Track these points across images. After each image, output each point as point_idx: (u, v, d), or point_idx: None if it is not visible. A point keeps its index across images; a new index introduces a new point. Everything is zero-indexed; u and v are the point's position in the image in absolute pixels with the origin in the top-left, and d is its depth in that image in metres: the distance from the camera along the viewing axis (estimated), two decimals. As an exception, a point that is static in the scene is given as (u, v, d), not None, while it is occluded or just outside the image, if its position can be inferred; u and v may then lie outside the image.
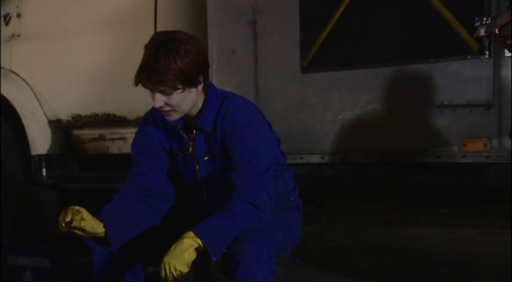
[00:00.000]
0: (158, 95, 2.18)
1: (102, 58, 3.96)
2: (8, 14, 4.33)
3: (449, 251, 4.28)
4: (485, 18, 2.17)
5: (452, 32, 2.88)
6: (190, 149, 2.33)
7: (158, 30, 3.78)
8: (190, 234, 2.09)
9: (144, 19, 3.85)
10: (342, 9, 3.13)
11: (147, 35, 3.74)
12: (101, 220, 2.24)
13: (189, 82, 2.18)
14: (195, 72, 2.19)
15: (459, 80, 2.92)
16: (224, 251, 2.11)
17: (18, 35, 4.28)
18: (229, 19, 3.42)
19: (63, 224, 2.15)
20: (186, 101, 2.21)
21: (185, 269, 2.07)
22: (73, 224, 2.15)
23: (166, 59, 2.13)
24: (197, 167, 2.35)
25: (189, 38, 2.20)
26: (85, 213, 2.18)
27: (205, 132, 2.29)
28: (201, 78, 2.23)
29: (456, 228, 5.06)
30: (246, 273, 2.05)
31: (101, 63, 3.96)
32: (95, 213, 2.27)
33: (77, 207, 2.18)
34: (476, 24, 2.43)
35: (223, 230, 2.13)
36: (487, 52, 2.84)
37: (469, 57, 2.88)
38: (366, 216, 5.59)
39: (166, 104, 2.20)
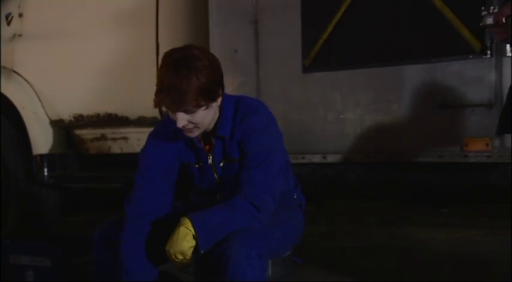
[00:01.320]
0: (181, 114, 2.13)
1: (104, 58, 3.96)
2: (9, 13, 4.34)
3: (450, 251, 4.27)
4: (492, 7, 2.17)
5: (454, 32, 2.89)
6: (210, 161, 2.31)
7: (159, 30, 3.81)
8: (187, 222, 2.10)
9: (145, 19, 3.85)
10: (343, 9, 3.13)
11: (148, 34, 3.82)
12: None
13: (210, 98, 2.15)
14: (215, 87, 2.17)
15: (461, 79, 2.93)
16: (214, 246, 2.11)
17: (20, 35, 4.28)
18: (230, 19, 3.42)
19: None
20: (208, 116, 2.19)
21: (185, 256, 2.10)
22: None
23: (187, 77, 2.08)
24: (216, 176, 2.34)
25: (202, 52, 2.16)
26: None
27: (224, 139, 2.28)
28: (220, 91, 2.21)
29: (457, 228, 5.05)
30: (235, 271, 2.05)
31: (102, 63, 3.96)
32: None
33: None
34: (482, 13, 2.41)
35: (219, 225, 2.13)
36: (488, 52, 2.84)
37: (470, 57, 2.88)
38: (366, 216, 5.58)
39: (189, 121, 2.16)
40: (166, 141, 2.32)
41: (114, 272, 2.32)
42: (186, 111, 2.13)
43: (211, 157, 2.31)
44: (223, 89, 2.23)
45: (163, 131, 2.33)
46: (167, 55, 2.16)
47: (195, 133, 2.22)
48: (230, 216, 2.15)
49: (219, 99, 2.21)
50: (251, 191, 2.17)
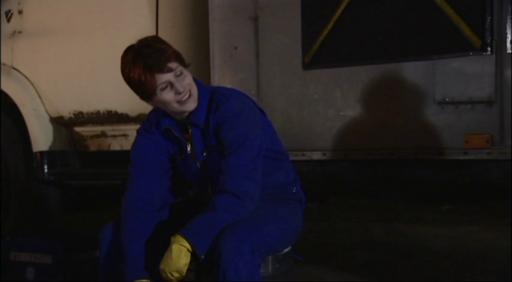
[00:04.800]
0: (171, 77, 2.20)
1: (104, 55, 3.96)
2: (9, 10, 4.34)
3: (451, 247, 4.28)
4: None
5: (455, 29, 2.88)
6: (189, 149, 2.34)
7: (160, 26, 3.81)
8: (178, 238, 2.12)
9: (146, 15, 3.85)
10: (343, 5, 3.13)
11: (149, 31, 3.82)
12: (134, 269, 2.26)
13: (183, 63, 2.25)
14: (182, 57, 2.27)
15: (461, 76, 2.92)
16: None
17: (20, 32, 4.28)
18: (231, 15, 3.42)
19: None
20: (192, 84, 2.26)
21: (181, 273, 2.12)
22: None
23: (160, 43, 2.25)
24: (198, 165, 2.35)
25: (154, 37, 2.38)
26: None
27: (200, 128, 2.31)
28: (186, 63, 2.29)
29: (457, 225, 5.06)
30: (226, 266, 2.07)
31: (102, 60, 3.96)
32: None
33: None
34: None
35: (208, 228, 2.15)
36: (489, 48, 2.83)
37: (471, 53, 2.88)
38: (367, 213, 5.60)
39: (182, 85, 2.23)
40: (153, 133, 2.38)
41: (120, 269, 2.33)
42: (176, 74, 2.21)
43: (189, 145, 2.32)
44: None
45: (148, 125, 2.39)
46: (125, 52, 2.32)
47: (192, 104, 2.26)
48: (214, 216, 2.16)
49: (189, 75, 2.27)
50: (229, 179, 2.20)
